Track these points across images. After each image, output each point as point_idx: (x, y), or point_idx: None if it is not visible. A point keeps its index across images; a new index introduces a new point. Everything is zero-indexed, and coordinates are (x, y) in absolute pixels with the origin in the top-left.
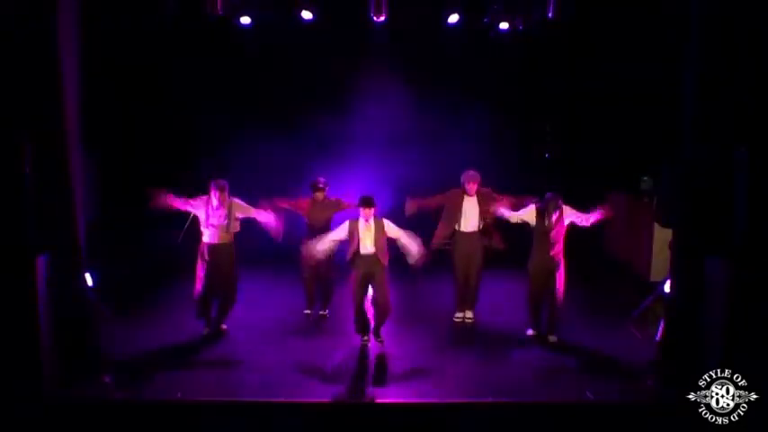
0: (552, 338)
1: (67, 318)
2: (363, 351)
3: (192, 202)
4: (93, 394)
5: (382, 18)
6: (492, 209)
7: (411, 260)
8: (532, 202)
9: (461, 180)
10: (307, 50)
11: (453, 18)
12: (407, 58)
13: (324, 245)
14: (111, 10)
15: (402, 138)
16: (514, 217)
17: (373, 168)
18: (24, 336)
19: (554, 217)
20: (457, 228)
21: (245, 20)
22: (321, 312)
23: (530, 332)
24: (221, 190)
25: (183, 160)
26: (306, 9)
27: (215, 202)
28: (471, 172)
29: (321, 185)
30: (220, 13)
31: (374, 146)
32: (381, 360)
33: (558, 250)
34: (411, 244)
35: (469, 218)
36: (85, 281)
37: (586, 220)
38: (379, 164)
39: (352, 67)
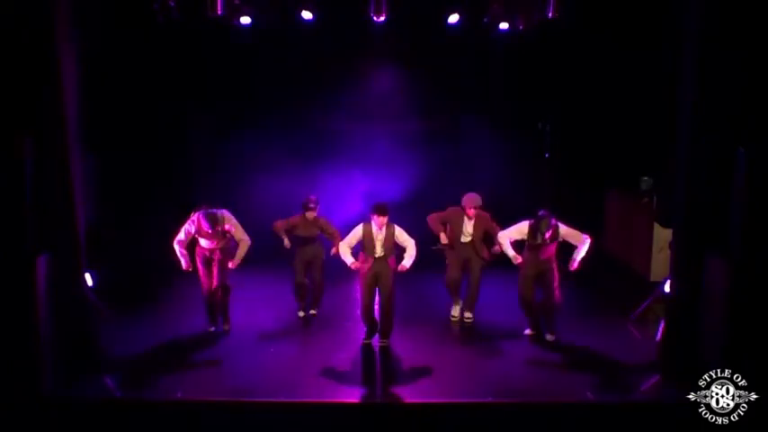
0: (550, 337)
1: (67, 318)
2: (363, 351)
3: (188, 232)
4: (93, 394)
5: (382, 18)
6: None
7: (401, 265)
8: (525, 220)
9: (462, 202)
10: (307, 50)
11: (453, 18)
12: (407, 59)
13: (345, 255)
14: (110, 10)
15: (402, 137)
16: (506, 239)
17: (373, 168)
18: (24, 336)
19: (547, 235)
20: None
21: (245, 20)
22: (311, 311)
23: (527, 331)
24: (213, 223)
25: (182, 160)
26: (306, 9)
27: (209, 231)
28: (472, 196)
29: (312, 205)
30: (220, 13)
31: (374, 146)
32: (381, 360)
33: (548, 255)
34: (410, 256)
35: (469, 232)
36: (85, 281)
37: (576, 241)
38: (378, 164)
39: (351, 67)
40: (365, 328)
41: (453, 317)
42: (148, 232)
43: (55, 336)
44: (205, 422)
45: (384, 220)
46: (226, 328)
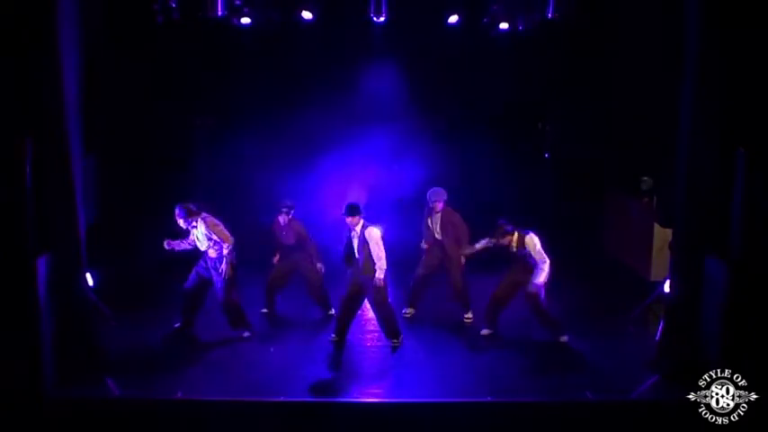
0: (563, 339)
1: (67, 318)
2: (363, 351)
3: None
4: (93, 394)
5: (382, 18)
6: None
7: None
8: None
9: (427, 197)
10: (307, 50)
11: (453, 18)
12: (407, 59)
13: None
14: (110, 10)
15: (402, 138)
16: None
17: (372, 169)
18: (24, 336)
19: (505, 243)
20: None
21: (245, 20)
22: (330, 313)
23: (484, 331)
24: (186, 215)
25: (182, 160)
26: (306, 9)
27: (179, 221)
28: (436, 190)
29: (284, 209)
30: (220, 13)
31: (374, 146)
32: (382, 360)
33: (524, 268)
34: (378, 268)
35: (440, 229)
36: (85, 281)
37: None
38: (378, 164)
39: (351, 67)
40: (335, 325)
41: (406, 312)
42: (148, 232)
43: (55, 336)
44: (205, 422)
45: (352, 220)
46: (245, 335)
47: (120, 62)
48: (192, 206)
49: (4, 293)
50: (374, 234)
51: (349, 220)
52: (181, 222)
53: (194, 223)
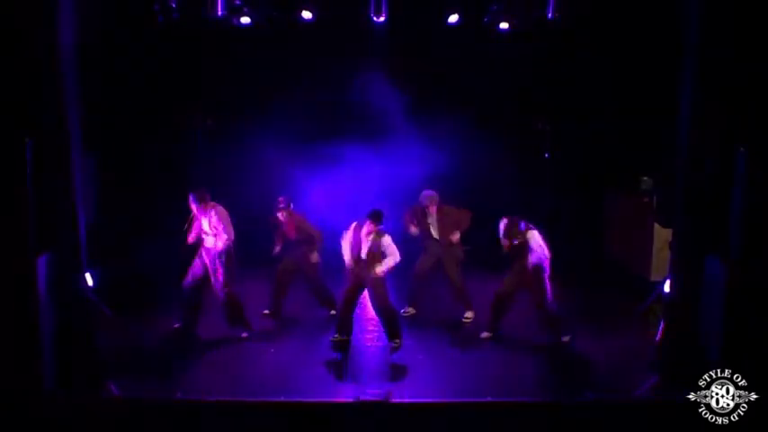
0: (565, 338)
1: (67, 318)
2: (363, 351)
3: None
4: (93, 394)
5: (382, 18)
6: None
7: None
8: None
9: (421, 201)
10: (307, 50)
11: (453, 18)
12: (407, 59)
13: (345, 252)
14: (110, 10)
15: (401, 137)
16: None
17: (371, 168)
18: (24, 336)
19: (514, 240)
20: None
21: (245, 20)
22: (332, 312)
23: (484, 335)
24: (199, 201)
25: (182, 160)
26: (306, 9)
27: (193, 207)
28: (428, 193)
29: (281, 205)
30: (220, 13)
31: (373, 145)
32: (381, 360)
33: (526, 264)
34: (385, 264)
35: (437, 228)
36: (85, 281)
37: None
38: (377, 163)
39: (351, 66)
40: (337, 324)
41: (406, 311)
42: (148, 232)
43: (55, 336)
44: (205, 422)
45: (372, 227)
46: (243, 335)
47: (121, 62)
48: (207, 193)
49: (4, 293)
50: (389, 241)
51: (372, 226)
52: (194, 208)
53: (207, 210)
